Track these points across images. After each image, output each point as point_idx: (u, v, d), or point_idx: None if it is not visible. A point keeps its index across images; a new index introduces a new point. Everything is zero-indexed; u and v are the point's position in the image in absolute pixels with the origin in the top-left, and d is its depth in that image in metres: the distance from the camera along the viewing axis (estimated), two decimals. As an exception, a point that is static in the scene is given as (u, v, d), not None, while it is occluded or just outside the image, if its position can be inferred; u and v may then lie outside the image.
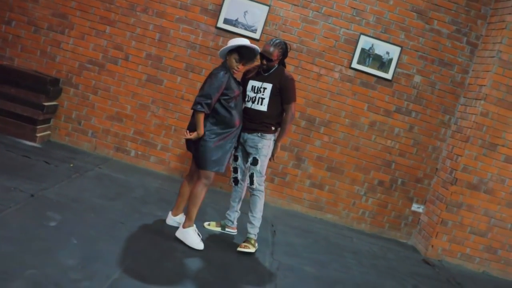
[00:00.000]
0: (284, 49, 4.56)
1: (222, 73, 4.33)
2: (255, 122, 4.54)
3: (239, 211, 4.93)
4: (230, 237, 4.86)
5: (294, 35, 6.36)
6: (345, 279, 4.68)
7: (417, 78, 6.49)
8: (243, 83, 4.59)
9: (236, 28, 6.27)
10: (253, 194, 4.65)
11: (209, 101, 4.25)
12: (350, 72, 6.44)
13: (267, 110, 4.52)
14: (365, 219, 6.68)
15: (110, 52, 6.40)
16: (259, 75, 4.57)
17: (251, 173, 4.60)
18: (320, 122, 6.49)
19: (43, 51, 6.42)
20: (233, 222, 4.88)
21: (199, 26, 6.35)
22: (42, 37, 6.40)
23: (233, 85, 4.39)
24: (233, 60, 4.42)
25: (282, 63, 4.67)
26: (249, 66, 4.69)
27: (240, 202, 4.89)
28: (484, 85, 6.04)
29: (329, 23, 6.37)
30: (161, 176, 6.32)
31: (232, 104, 4.36)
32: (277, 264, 4.51)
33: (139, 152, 6.52)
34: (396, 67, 6.42)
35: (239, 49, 4.40)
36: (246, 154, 4.67)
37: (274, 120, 4.62)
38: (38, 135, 6.14)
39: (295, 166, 6.55)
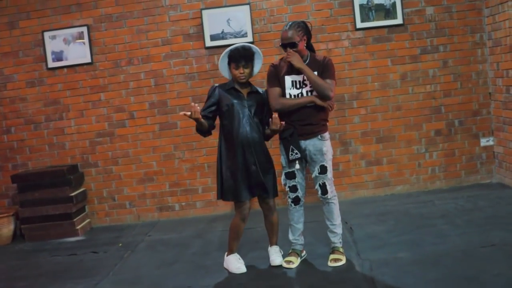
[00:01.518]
0: (304, 28, 4.02)
1: (212, 86, 4.19)
2: (311, 124, 4.00)
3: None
4: (305, 259, 4.32)
5: (286, 22, 5.84)
6: (447, 250, 4.10)
7: (430, 10, 5.93)
8: (278, 82, 4.05)
9: (225, 41, 5.84)
10: (328, 203, 4.13)
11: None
12: (359, 34, 5.92)
13: (315, 106, 3.98)
14: (438, 176, 6.08)
15: (114, 118, 6.09)
16: (294, 68, 3.98)
17: (323, 183, 4.07)
18: (350, 97, 5.97)
19: (50, 144, 6.17)
20: (303, 245, 4.33)
21: (189, 54, 5.98)
22: (44, 131, 6.16)
23: (225, 97, 4.06)
24: (233, 70, 4.05)
25: (310, 48, 4.13)
26: (279, 64, 4.13)
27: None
28: (504, -14, 5.41)
29: (316, -5, 5.88)
30: (213, 218, 5.91)
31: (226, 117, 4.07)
32: (369, 264, 3.98)
33: (183, 203, 6.14)
34: (402, 8, 5.88)
35: (229, 58, 4.04)
36: (309, 164, 4.13)
37: (325, 115, 4.10)
38: (78, 227, 5.83)
39: (343, 152, 6.02)
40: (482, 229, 4.49)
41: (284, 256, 4.23)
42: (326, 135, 4.08)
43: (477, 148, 6.06)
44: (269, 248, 4.34)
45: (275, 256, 4.23)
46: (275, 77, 4.06)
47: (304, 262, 4.21)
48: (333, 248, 4.16)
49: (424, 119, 6.01)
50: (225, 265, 4.25)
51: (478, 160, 6.08)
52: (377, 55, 5.94)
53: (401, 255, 4.11)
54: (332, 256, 4.08)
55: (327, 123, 4.14)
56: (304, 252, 4.30)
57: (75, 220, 5.83)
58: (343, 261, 4.05)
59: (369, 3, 5.85)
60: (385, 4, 5.85)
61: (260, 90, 4.21)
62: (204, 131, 4.16)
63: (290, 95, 4.03)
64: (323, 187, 4.05)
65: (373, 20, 5.88)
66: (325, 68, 3.99)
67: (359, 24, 5.88)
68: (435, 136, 6.03)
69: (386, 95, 5.98)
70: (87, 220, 6.11)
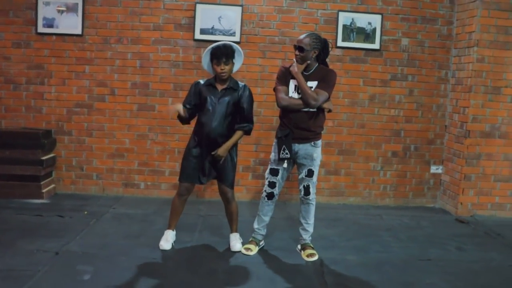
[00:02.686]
0: (321, 42, 4.34)
1: (194, 81, 4.51)
2: (305, 129, 4.33)
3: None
4: (263, 249, 4.69)
5: (273, 29, 6.25)
6: (389, 258, 4.57)
7: (405, 41, 6.40)
8: (285, 82, 4.38)
9: (214, 36, 6.14)
10: (308, 203, 4.50)
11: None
12: (338, 52, 6.33)
13: (316, 111, 4.33)
14: (388, 193, 6.57)
15: (95, 91, 6.26)
16: (301, 74, 4.33)
17: (307, 185, 4.43)
18: (320, 108, 6.37)
19: (27, 106, 6.27)
20: (263, 236, 4.71)
21: (177, 43, 6.22)
22: (23, 92, 6.25)
23: (203, 92, 4.39)
24: (215, 66, 4.33)
25: (323, 62, 4.46)
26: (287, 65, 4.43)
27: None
28: (473, 31, 5.96)
29: (305, 8, 6.26)
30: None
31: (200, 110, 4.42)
32: (320, 261, 4.39)
33: (149, 183, 6.38)
34: (381, 35, 6.33)
35: (212, 54, 4.33)
36: (297, 166, 4.48)
37: (321, 122, 4.45)
38: (44, 191, 5.99)
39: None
40: (422, 245, 4.99)
41: (244, 243, 4.58)
42: (319, 142, 4.44)
43: (427, 174, 6.59)
44: (230, 235, 4.69)
45: (235, 242, 4.60)
46: (284, 77, 4.38)
47: (261, 251, 4.58)
48: (304, 244, 4.55)
49: (384, 139, 6.48)
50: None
51: (426, 185, 6.61)
52: (351, 74, 6.37)
53: (348, 257, 4.55)
54: (306, 252, 4.46)
55: (322, 131, 4.50)
56: (263, 242, 4.67)
57: (42, 183, 5.98)
58: (317, 256, 4.44)
59: (352, 25, 6.28)
60: (366, 29, 6.29)
61: (240, 85, 4.48)
62: (182, 119, 4.47)
63: (293, 98, 4.35)
64: (307, 189, 4.44)
65: (353, 41, 6.31)
66: (324, 78, 4.34)
67: (340, 43, 6.29)
68: (391, 156, 6.52)
69: (353, 112, 6.42)
70: (53, 185, 6.27)
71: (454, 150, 6.31)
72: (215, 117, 4.33)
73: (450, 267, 4.43)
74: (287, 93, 4.35)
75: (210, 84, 4.41)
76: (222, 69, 4.31)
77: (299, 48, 4.28)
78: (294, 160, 4.46)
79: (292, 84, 4.35)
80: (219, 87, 4.40)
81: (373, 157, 6.50)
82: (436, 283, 4.04)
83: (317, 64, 4.40)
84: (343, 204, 6.46)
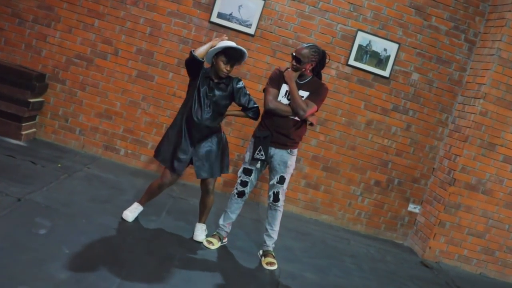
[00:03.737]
0: (320, 55, 4.29)
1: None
2: (286, 136, 4.27)
3: None
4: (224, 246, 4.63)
5: (290, 31, 6.17)
6: (346, 285, 4.54)
7: (415, 76, 6.35)
8: (278, 87, 4.32)
9: (230, 23, 6.06)
10: (276, 209, 4.45)
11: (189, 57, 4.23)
12: (347, 69, 6.27)
13: (300, 121, 4.28)
14: (361, 220, 6.54)
15: (98, 47, 6.14)
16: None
17: (277, 191, 4.38)
18: (317, 121, 6.31)
19: (28, 44, 6.13)
20: (227, 233, 4.64)
21: (192, 20, 6.12)
22: (27, 30, 6.12)
23: (202, 79, 4.29)
24: (221, 63, 4.24)
25: (318, 75, 4.40)
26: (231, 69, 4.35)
27: None
28: (483, 84, 5.92)
29: (326, 19, 6.18)
30: (152, 176, 6.08)
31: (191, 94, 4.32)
32: (278, 272, 4.34)
33: (129, 151, 6.28)
34: (393, 64, 6.28)
35: (225, 51, 4.22)
36: (270, 170, 4.43)
37: (302, 133, 4.41)
38: (23, 133, 5.87)
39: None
40: (381, 280, 4.96)
41: (207, 236, 4.52)
42: (295, 151, 4.40)
43: (404, 211, 6.56)
44: (197, 224, 4.62)
45: (200, 232, 4.54)
46: (277, 80, 4.33)
47: (223, 248, 4.52)
48: (266, 251, 4.49)
49: (370, 166, 6.44)
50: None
51: (400, 221, 6.58)
52: (354, 95, 6.32)
53: (308, 275, 4.51)
54: (267, 260, 4.40)
55: (300, 141, 4.45)
56: (226, 239, 4.61)
57: (23, 124, 5.86)
58: (276, 266, 4.38)
59: (368, 47, 6.22)
60: (380, 54, 6.24)
61: (235, 79, 4.40)
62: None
63: (280, 101, 4.30)
64: (276, 195, 4.38)
65: (364, 63, 6.25)
66: (316, 91, 4.29)
67: (351, 61, 6.23)
68: (373, 185, 6.48)
69: (348, 132, 6.37)
70: (33, 129, 6.15)
71: (435, 194, 6.28)
72: (207, 110, 4.28)
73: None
74: (276, 96, 4.30)
75: (208, 77, 4.32)
76: (227, 70, 4.28)
77: (296, 59, 4.23)
78: (267, 163, 4.40)
79: (283, 88, 4.31)
80: (216, 81, 4.33)
81: (356, 181, 6.46)
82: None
83: (311, 75, 4.35)
84: (315, 220, 6.41)
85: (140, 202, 4.54)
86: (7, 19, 6.10)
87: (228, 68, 4.26)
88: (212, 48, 4.24)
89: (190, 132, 4.28)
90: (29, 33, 6.13)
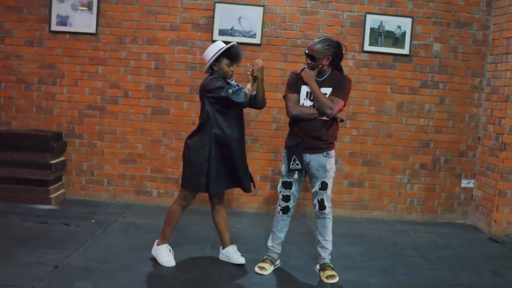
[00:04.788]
0: (334, 47, 4.03)
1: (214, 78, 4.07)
2: (318, 138, 4.00)
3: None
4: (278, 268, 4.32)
5: (296, 31, 5.90)
6: (417, 282, 4.17)
7: (436, 46, 5.99)
8: (296, 89, 4.06)
9: (233, 37, 5.80)
10: (324, 217, 4.13)
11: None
12: (364, 56, 5.95)
13: (329, 120, 4.01)
14: (415, 208, 6.15)
15: (107, 93, 6.00)
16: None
17: (321, 199, 4.08)
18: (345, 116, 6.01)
19: (38, 107, 6.04)
20: (278, 255, 4.35)
21: (194, 44, 5.93)
22: (34, 92, 6.03)
23: None
24: (225, 66, 4.05)
25: (337, 68, 4.14)
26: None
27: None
28: (512, 37, 5.53)
29: (330, 10, 5.91)
30: (189, 211, 5.84)
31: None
32: (341, 283, 4.01)
33: (161, 190, 6.08)
34: (411, 39, 5.93)
35: (225, 53, 4.02)
36: (310, 178, 4.15)
37: (335, 131, 4.12)
38: (52, 196, 5.73)
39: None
40: (453, 268, 4.57)
41: (258, 261, 4.23)
42: (332, 152, 4.10)
43: (457, 188, 6.15)
44: (228, 248, 4.34)
45: (238, 255, 4.29)
46: (295, 84, 4.08)
47: (277, 270, 4.22)
48: (323, 264, 4.17)
49: (412, 150, 6.07)
50: (153, 253, 4.26)
51: (456, 200, 6.17)
52: (378, 80, 5.99)
53: (372, 280, 4.16)
54: (326, 273, 4.08)
55: (335, 141, 4.16)
56: (279, 261, 4.31)
57: (50, 188, 5.73)
58: (337, 278, 4.06)
59: (380, 29, 5.90)
60: (395, 32, 5.91)
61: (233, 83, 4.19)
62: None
63: (303, 105, 4.03)
64: (321, 203, 4.07)
65: (380, 46, 5.93)
66: (338, 86, 4.01)
67: (367, 47, 5.92)
68: (419, 169, 6.11)
69: (379, 121, 6.03)
70: (62, 190, 6.02)
71: (487, 164, 5.87)
72: (234, 122, 4.09)
73: (485, 295, 4.01)
74: (297, 101, 4.05)
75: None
76: (232, 71, 4.11)
77: (310, 56, 3.97)
78: (306, 171, 4.12)
79: (304, 90, 4.05)
80: None
81: (400, 169, 6.09)
82: (470, 314, 3.63)
83: (330, 69, 4.08)
84: (367, 219, 6.06)
85: (164, 240, 4.25)
86: (13, 86, 6.03)
87: (233, 69, 4.11)
88: (214, 55, 4.02)
89: (227, 147, 4.08)
90: (37, 96, 6.03)
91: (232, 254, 4.29)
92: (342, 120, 4.12)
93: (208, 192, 4.16)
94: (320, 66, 4.00)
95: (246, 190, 4.24)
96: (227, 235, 4.35)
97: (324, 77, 4.06)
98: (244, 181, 4.19)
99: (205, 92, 4.06)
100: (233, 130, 4.07)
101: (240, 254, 4.31)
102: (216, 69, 4.09)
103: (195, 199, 4.30)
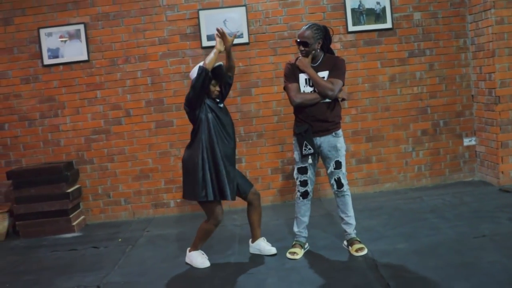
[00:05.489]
0: (322, 31, 4.20)
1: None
2: (324, 121, 4.16)
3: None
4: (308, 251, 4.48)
5: (281, 24, 6.07)
6: (441, 240, 4.34)
7: (417, 15, 6.18)
8: (295, 78, 4.21)
9: (222, 41, 5.97)
10: (343, 195, 4.30)
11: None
12: (350, 37, 6.13)
13: (332, 101, 4.18)
14: (424, 174, 6.34)
15: (110, 115, 6.14)
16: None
17: (338, 177, 4.24)
18: (341, 97, 6.18)
19: (45, 140, 6.18)
20: (306, 238, 4.52)
21: (186, 53, 6.08)
22: (38, 127, 6.17)
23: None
24: (210, 86, 4.14)
25: (329, 51, 4.30)
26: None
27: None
28: (487, -6, 5.72)
29: (310, -2, 6.08)
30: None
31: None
32: (371, 254, 4.18)
33: (178, 200, 6.23)
34: (392, 13, 6.12)
35: (213, 73, 4.09)
36: (323, 160, 4.31)
37: (338, 111, 4.28)
38: (74, 224, 5.87)
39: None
40: (471, 222, 4.76)
41: (288, 248, 4.39)
42: (340, 132, 4.27)
43: (461, 148, 6.34)
44: (257, 242, 4.49)
45: (269, 246, 4.46)
46: (293, 73, 4.23)
47: (308, 253, 4.38)
48: (351, 239, 4.34)
49: (411, 119, 6.26)
50: (187, 260, 4.40)
51: (462, 159, 6.37)
52: (367, 58, 6.16)
53: (399, 246, 4.33)
54: (355, 247, 4.24)
55: (340, 121, 4.32)
56: (307, 244, 4.47)
57: (71, 216, 5.86)
58: (366, 250, 4.23)
59: (360, 8, 6.07)
60: (375, 9, 6.08)
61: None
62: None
63: (305, 93, 4.19)
64: (339, 181, 4.24)
65: (364, 24, 6.11)
66: (334, 67, 4.18)
67: (351, 28, 6.09)
68: (421, 135, 6.29)
69: (375, 96, 6.21)
70: (82, 217, 6.15)
71: (485, 119, 6.06)
72: (230, 135, 4.23)
73: (508, 240, 4.18)
74: (298, 89, 4.21)
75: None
76: (218, 90, 4.22)
77: (303, 43, 4.13)
78: (318, 154, 4.28)
79: (302, 78, 4.21)
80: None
81: (403, 139, 6.28)
82: (498, 261, 3.79)
83: (323, 53, 4.25)
84: (380, 192, 6.24)
85: (196, 248, 4.38)
86: (17, 125, 6.16)
87: (218, 88, 4.20)
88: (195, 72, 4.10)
89: (227, 156, 4.19)
90: (42, 130, 6.17)
91: (263, 246, 4.45)
92: (343, 99, 4.28)
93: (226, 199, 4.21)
94: (313, 51, 4.16)
95: (226, 197, 4.18)
96: (259, 230, 4.50)
97: (319, 61, 4.23)
98: (226, 187, 4.14)
99: (186, 106, 4.19)
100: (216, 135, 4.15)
101: (270, 245, 4.47)
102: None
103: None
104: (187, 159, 4.23)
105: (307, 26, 4.20)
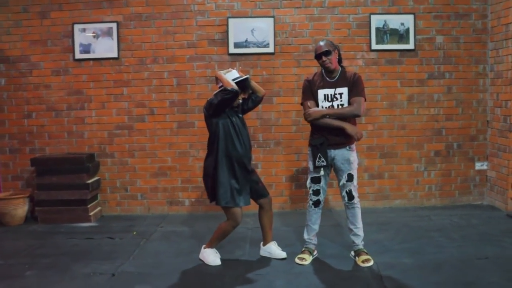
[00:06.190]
0: (335, 45, 4.43)
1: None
2: (341, 135, 4.33)
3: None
4: (316, 258, 4.65)
5: (306, 37, 6.25)
6: (446, 259, 4.48)
7: (439, 39, 6.32)
8: (311, 94, 4.42)
9: (248, 49, 6.19)
10: (353, 207, 4.47)
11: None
12: (373, 55, 6.29)
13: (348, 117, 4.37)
14: (434, 194, 6.46)
15: (134, 112, 6.35)
16: (327, 82, 4.37)
17: (349, 190, 4.41)
18: (359, 112, 6.34)
19: (69, 132, 6.39)
20: (315, 246, 4.68)
21: (212, 58, 6.28)
22: (64, 118, 6.38)
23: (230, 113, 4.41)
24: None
25: (340, 62, 4.48)
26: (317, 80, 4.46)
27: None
28: (510, 23, 5.85)
29: (336, 14, 6.25)
30: (221, 215, 6.18)
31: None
32: (376, 266, 4.33)
33: (193, 199, 6.41)
34: (415, 35, 6.26)
35: (238, 82, 4.35)
36: (336, 172, 4.48)
37: (354, 126, 4.46)
38: (91, 214, 6.07)
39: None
40: (476, 244, 4.89)
41: (296, 254, 4.56)
42: (353, 146, 4.44)
43: (472, 171, 6.46)
44: (267, 245, 4.68)
45: (279, 250, 4.63)
46: (310, 91, 4.43)
47: (315, 260, 4.54)
48: (358, 250, 4.50)
49: (425, 139, 6.40)
50: (200, 257, 4.59)
51: (472, 182, 6.48)
52: (387, 76, 6.32)
53: (404, 260, 4.48)
54: (361, 258, 4.40)
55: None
56: (316, 252, 4.64)
57: (89, 206, 6.07)
58: (372, 262, 4.38)
59: (385, 27, 6.24)
60: (399, 30, 6.24)
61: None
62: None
63: (323, 107, 4.37)
64: (350, 194, 4.41)
65: (387, 43, 6.27)
66: (354, 84, 4.35)
67: (374, 46, 6.26)
68: (434, 156, 6.42)
69: (393, 114, 6.36)
70: (99, 208, 6.35)
71: (498, 145, 6.18)
72: (246, 146, 4.45)
73: (510, 264, 4.32)
74: (314, 107, 4.41)
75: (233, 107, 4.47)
76: (240, 100, 4.47)
77: (325, 52, 4.30)
78: (331, 166, 4.46)
79: (321, 93, 4.38)
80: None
81: (416, 158, 6.42)
82: (498, 282, 3.93)
83: (340, 68, 4.42)
84: (389, 208, 6.38)
85: (211, 246, 4.58)
86: (44, 115, 6.38)
87: (241, 98, 4.45)
88: (228, 76, 4.37)
89: (242, 164, 4.40)
90: (67, 121, 6.38)
91: (274, 249, 4.63)
92: (358, 139, 4.43)
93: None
94: (333, 60, 4.32)
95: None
96: (270, 234, 4.69)
97: (337, 76, 4.39)
98: (239, 194, 4.42)
99: (205, 110, 4.41)
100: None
101: (281, 249, 4.64)
102: None
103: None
104: (208, 165, 4.47)
105: (322, 40, 4.42)
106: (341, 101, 4.33)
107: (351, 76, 4.40)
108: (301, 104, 4.54)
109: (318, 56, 4.36)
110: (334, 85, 4.35)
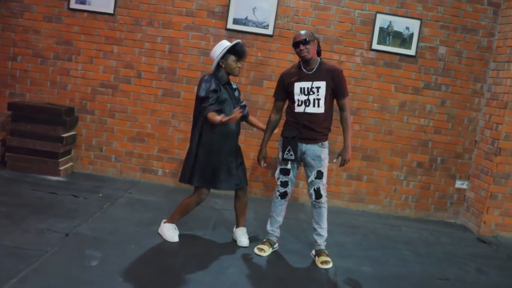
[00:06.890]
0: (317, 38, 4.28)
1: (207, 76, 4.30)
2: (314, 130, 4.21)
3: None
4: (276, 251, 4.56)
5: (308, 25, 6.08)
6: (406, 274, 4.40)
7: (442, 50, 6.17)
8: (286, 88, 4.29)
9: (246, 27, 6.02)
10: (320, 207, 4.36)
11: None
12: (372, 54, 6.14)
13: (324, 112, 4.22)
14: (409, 204, 6.38)
15: (121, 72, 6.18)
16: (304, 75, 4.22)
17: (317, 188, 4.30)
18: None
19: (53, 81, 6.22)
20: (277, 238, 4.58)
21: (209, 30, 6.10)
22: (49, 67, 6.21)
23: (222, 91, 4.27)
24: (232, 62, 4.27)
25: (318, 54, 4.32)
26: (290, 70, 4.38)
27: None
28: (515, 46, 5.72)
29: (342, 7, 6.08)
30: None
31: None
32: (334, 269, 4.24)
33: (167, 170, 6.29)
34: (418, 41, 6.11)
35: (231, 49, 4.25)
36: (305, 167, 4.37)
37: (329, 123, 4.33)
38: (61, 168, 5.94)
39: (329, 160, 6.25)
40: (440, 263, 4.81)
41: (257, 243, 4.46)
42: (326, 143, 4.32)
43: (451, 188, 6.37)
44: (236, 229, 4.60)
45: (244, 238, 4.53)
46: (282, 88, 4.36)
47: (274, 253, 4.45)
48: (319, 250, 4.40)
49: (410, 148, 6.29)
50: (159, 231, 4.50)
51: (449, 200, 6.40)
52: (383, 79, 6.18)
53: (364, 268, 4.39)
54: (321, 259, 4.31)
55: (329, 133, 4.36)
56: (277, 244, 4.54)
57: (60, 160, 5.93)
58: (331, 264, 4.29)
59: (389, 28, 6.08)
60: (403, 33, 6.09)
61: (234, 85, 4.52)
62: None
63: (299, 101, 4.23)
64: (317, 192, 4.29)
65: (388, 45, 6.11)
66: (338, 83, 4.21)
67: (375, 45, 6.10)
68: (416, 167, 6.32)
69: (382, 118, 6.23)
70: (70, 163, 6.22)
71: (482, 167, 6.09)
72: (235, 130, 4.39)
73: (469, 290, 4.26)
74: (279, 109, 4.44)
75: (226, 83, 4.35)
76: (239, 67, 4.35)
77: (304, 41, 4.13)
78: (301, 160, 4.34)
79: (297, 86, 4.23)
80: (226, 82, 4.38)
81: (398, 166, 6.31)
82: (452, 306, 3.87)
83: (318, 59, 4.27)
84: (362, 211, 6.30)
85: (172, 221, 4.48)
86: (29, 60, 6.21)
87: (239, 65, 4.33)
88: (220, 52, 4.25)
89: (230, 144, 4.31)
90: (52, 70, 6.21)
91: (239, 235, 4.54)
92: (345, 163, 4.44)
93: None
94: (312, 50, 4.16)
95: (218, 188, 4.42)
96: (242, 219, 4.61)
97: (315, 68, 4.22)
98: (219, 178, 4.37)
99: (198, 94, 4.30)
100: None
101: (247, 237, 4.55)
102: (223, 66, 4.28)
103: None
104: (192, 139, 4.39)
105: (302, 30, 4.28)
106: (318, 95, 4.18)
107: (331, 70, 4.23)
108: (274, 96, 4.52)
109: (295, 44, 4.18)
110: (311, 78, 4.20)
